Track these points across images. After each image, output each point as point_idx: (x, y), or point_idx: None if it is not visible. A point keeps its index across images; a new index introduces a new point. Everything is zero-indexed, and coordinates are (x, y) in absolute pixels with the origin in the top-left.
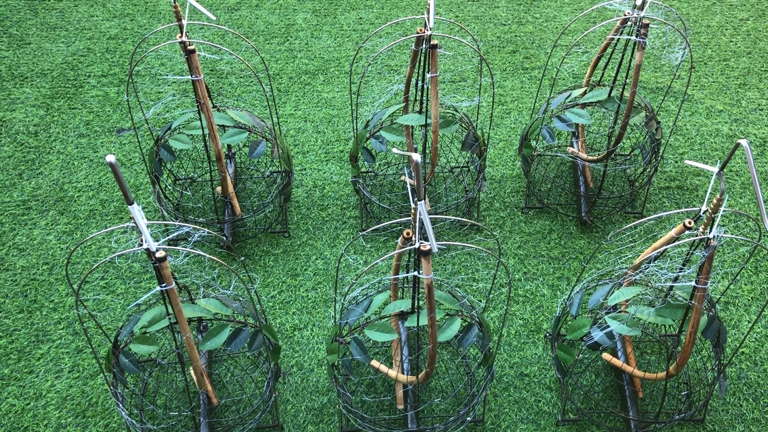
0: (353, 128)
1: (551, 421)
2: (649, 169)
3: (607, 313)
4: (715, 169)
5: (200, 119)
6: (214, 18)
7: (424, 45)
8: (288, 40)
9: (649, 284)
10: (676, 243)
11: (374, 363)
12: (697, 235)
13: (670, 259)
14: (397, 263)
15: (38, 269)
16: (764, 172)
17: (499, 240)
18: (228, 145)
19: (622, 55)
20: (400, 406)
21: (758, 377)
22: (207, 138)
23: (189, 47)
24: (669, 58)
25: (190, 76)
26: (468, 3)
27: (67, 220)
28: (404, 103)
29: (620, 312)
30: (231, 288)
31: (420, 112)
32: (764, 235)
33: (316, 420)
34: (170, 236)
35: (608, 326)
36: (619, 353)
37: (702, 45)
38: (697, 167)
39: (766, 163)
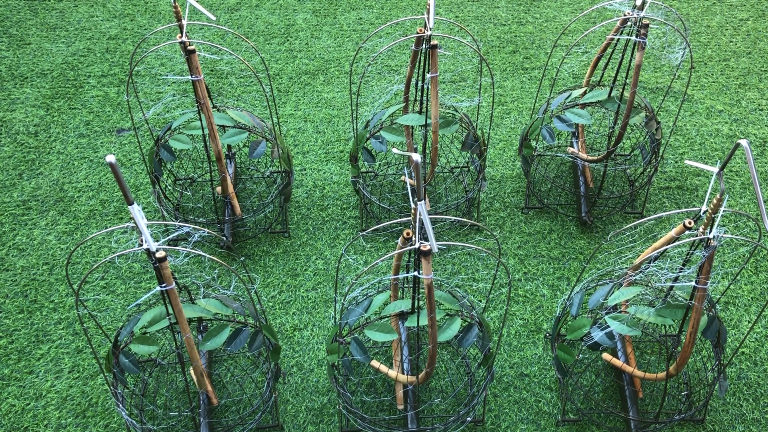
0: (353, 128)
1: (551, 422)
2: (649, 169)
3: (607, 313)
4: (715, 169)
5: (200, 119)
6: (214, 18)
7: (424, 45)
8: (288, 40)
9: (649, 284)
10: (676, 243)
11: (374, 363)
12: (697, 235)
13: (670, 259)
14: (397, 263)
15: (38, 269)
16: (764, 172)
17: (499, 240)
18: (228, 145)
19: (622, 55)
20: (400, 407)
21: (758, 377)
22: (207, 138)
23: (189, 47)
24: (669, 58)
25: (190, 76)
26: (468, 3)
27: (67, 220)
28: (404, 103)
29: (620, 312)
30: (231, 288)
31: (420, 112)
32: (764, 235)
33: (316, 420)
34: (170, 236)
35: (608, 326)
36: (619, 353)
37: (702, 45)
38: (697, 167)
39: (766, 163)
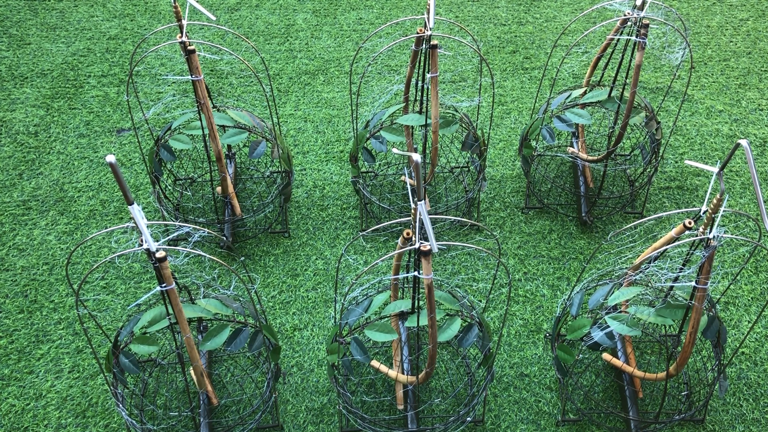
0: (353, 128)
1: (551, 422)
2: (649, 169)
3: (607, 314)
4: (715, 169)
5: (200, 119)
6: (214, 18)
7: (424, 45)
8: (288, 40)
9: (649, 284)
10: (676, 243)
11: (374, 363)
12: (697, 235)
13: (670, 259)
14: (397, 263)
15: (38, 269)
16: (764, 172)
17: (499, 240)
18: (228, 145)
19: (622, 55)
20: (400, 407)
21: (758, 377)
22: (207, 138)
23: (189, 47)
24: (669, 58)
25: (190, 76)
26: (468, 3)
27: (67, 220)
28: (404, 103)
29: (620, 312)
30: (231, 288)
31: (420, 112)
32: (764, 235)
33: (316, 420)
34: (170, 236)
35: (608, 326)
36: (619, 353)
37: (702, 45)
38: (697, 167)
39: (766, 163)
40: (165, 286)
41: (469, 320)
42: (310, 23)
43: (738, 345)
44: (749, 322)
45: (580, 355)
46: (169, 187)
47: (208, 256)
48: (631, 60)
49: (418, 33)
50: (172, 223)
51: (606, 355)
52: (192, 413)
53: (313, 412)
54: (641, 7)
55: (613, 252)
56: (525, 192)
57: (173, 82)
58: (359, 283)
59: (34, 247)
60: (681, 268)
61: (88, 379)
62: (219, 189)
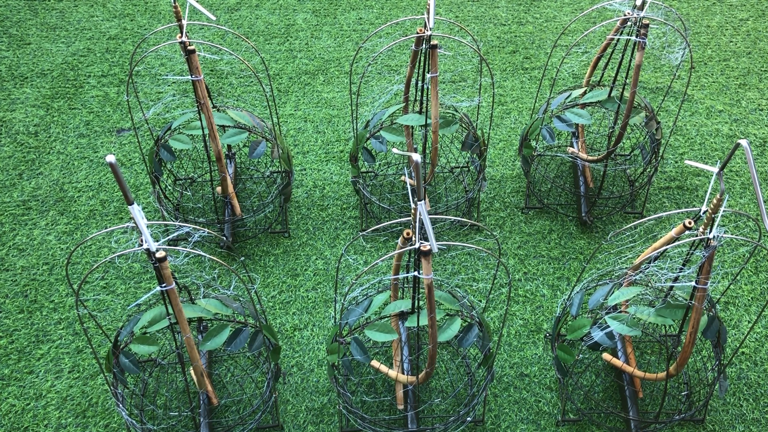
0: (353, 128)
1: (551, 422)
2: (649, 169)
3: (607, 314)
4: (715, 169)
5: (200, 119)
6: (214, 18)
7: (424, 45)
8: (288, 40)
9: (649, 284)
10: (676, 243)
11: (374, 363)
12: (697, 235)
13: (670, 259)
14: (397, 263)
15: (38, 269)
16: (764, 172)
17: (499, 240)
18: (228, 145)
19: (622, 55)
20: (400, 407)
21: (758, 377)
22: (207, 138)
23: (189, 47)
24: (669, 58)
25: (190, 76)
26: (468, 3)
27: (67, 220)
28: (404, 103)
29: (620, 312)
30: (231, 288)
31: (420, 112)
32: (764, 235)
33: (316, 420)
34: (170, 236)
35: (608, 326)
36: (619, 353)
37: (702, 45)
38: (697, 167)
39: (766, 163)
40: (165, 286)
41: (469, 320)
42: (310, 23)
43: (738, 345)
44: (749, 322)
45: (580, 355)
46: (169, 187)
47: (208, 256)
48: (631, 60)
49: (418, 33)
50: (172, 223)
51: (606, 355)
52: (192, 413)
53: (313, 412)
54: (641, 7)
55: (613, 252)
56: (525, 192)
57: (173, 82)
58: (359, 283)
59: (34, 247)
60: (681, 268)
61: (88, 379)
62: (219, 189)
